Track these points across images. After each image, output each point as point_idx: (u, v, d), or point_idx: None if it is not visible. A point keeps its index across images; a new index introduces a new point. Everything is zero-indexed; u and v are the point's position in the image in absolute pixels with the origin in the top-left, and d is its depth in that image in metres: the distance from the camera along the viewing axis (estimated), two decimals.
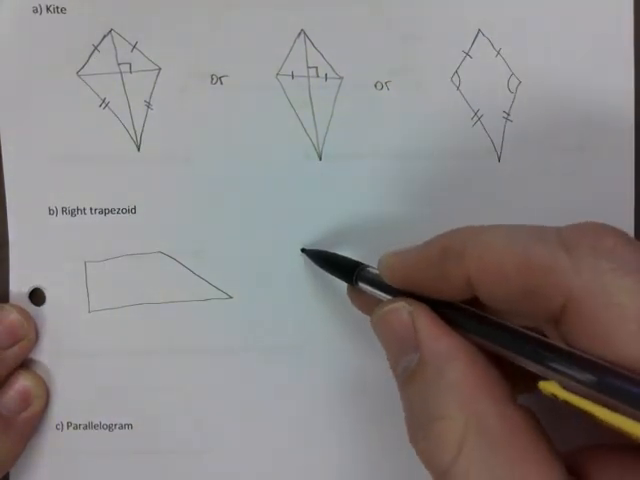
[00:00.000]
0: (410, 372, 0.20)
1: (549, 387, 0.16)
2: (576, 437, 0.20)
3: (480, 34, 0.28)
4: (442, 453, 0.18)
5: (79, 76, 0.27)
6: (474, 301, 0.20)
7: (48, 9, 0.27)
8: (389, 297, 0.22)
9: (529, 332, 0.18)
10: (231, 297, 0.28)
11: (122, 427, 0.28)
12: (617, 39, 0.28)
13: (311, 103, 0.28)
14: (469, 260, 0.18)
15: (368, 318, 0.28)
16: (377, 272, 0.23)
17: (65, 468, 0.28)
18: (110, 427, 0.28)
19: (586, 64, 0.28)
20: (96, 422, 0.28)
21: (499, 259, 0.18)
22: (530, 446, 0.17)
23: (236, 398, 0.28)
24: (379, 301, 0.22)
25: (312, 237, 0.28)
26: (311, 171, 0.28)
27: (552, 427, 0.19)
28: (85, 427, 0.28)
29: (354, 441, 0.28)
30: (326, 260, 0.27)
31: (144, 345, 0.28)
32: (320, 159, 0.28)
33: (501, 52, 0.28)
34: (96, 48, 0.27)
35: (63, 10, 0.27)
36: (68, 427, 0.28)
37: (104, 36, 0.27)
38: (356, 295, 0.26)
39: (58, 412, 0.28)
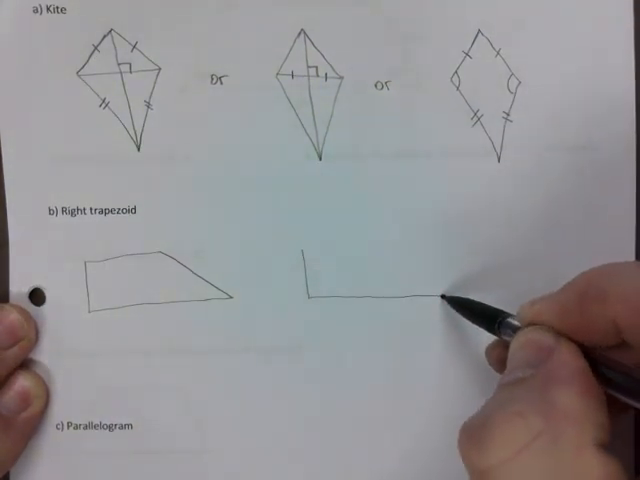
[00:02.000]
0: (515, 379, 0.19)
1: None
2: None
3: (480, 34, 0.28)
4: (495, 448, 0.17)
5: (79, 76, 0.27)
6: (622, 346, 0.19)
7: (48, 9, 0.27)
8: None
9: None
10: (231, 297, 0.28)
11: (122, 427, 0.28)
12: (617, 39, 0.28)
13: (311, 103, 0.28)
14: (614, 302, 0.18)
15: (368, 319, 0.28)
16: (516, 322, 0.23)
17: (65, 468, 0.28)
18: (110, 427, 0.28)
19: (586, 64, 0.28)
20: (96, 422, 0.28)
21: None
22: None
23: (236, 398, 0.28)
24: None
25: (312, 237, 0.28)
26: (311, 171, 0.28)
27: None
28: (85, 427, 0.28)
29: (354, 441, 0.28)
30: (467, 307, 0.26)
31: (144, 345, 0.28)
32: (320, 159, 0.28)
33: (501, 52, 0.28)
34: (96, 48, 0.27)
35: (63, 10, 0.27)
36: (68, 427, 0.28)
37: (104, 36, 0.27)
38: (494, 347, 0.25)
39: (58, 412, 0.28)
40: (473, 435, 0.18)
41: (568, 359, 0.19)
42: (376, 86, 0.28)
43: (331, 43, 0.28)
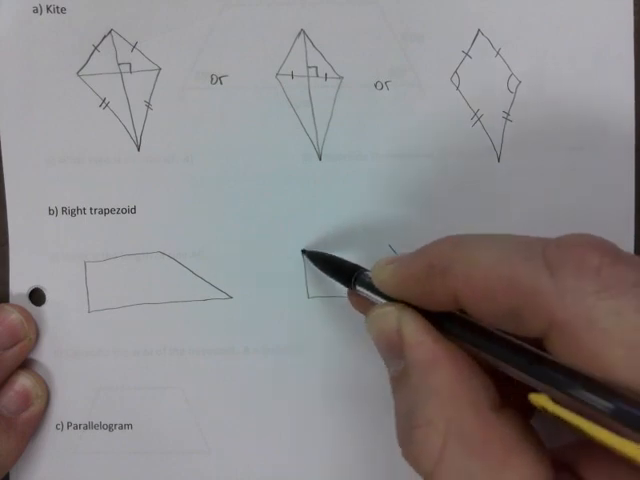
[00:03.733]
0: (397, 377, 0.20)
1: (539, 400, 0.16)
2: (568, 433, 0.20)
3: (480, 34, 0.28)
4: (425, 458, 0.18)
5: (79, 76, 0.27)
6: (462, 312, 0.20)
7: (48, 9, 0.27)
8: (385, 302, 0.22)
9: (521, 343, 0.18)
10: (231, 297, 0.28)
11: (122, 427, 0.28)
12: (617, 39, 0.28)
13: (311, 103, 0.28)
14: (455, 278, 0.18)
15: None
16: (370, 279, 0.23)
17: (65, 468, 0.28)
18: (110, 427, 0.28)
19: (586, 64, 0.28)
20: (96, 422, 0.28)
21: (485, 279, 0.18)
22: (512, 452, 0.17)
23: (236, 398, 0.28)
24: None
25: (312, 237, 0.28)
26: (311, 171, 0.28)
27: (542, 424, 0.19)
28: (85, 427, 0.28)
29: (353, 441, 0.28)
30: (325, 262, 0.27)
31: (144, 345, 0.28)
32: (320, 159, 0.28)
33: (501, 52, 0.28)
34: (96, 48, 0.27)
35: (63, 10, 0.27)
36: (68, 427, 0.28)
37: (104, 36, 0.27)
38: (355, 298, 0.26)
39: (58, 412, 0.28)
40: (406, 453, 0.19)
41: (420, 340, 0.19)
42: (376, 86, 0.28)
43: (331, 43, 0.28)
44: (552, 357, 0.17)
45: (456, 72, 0.28)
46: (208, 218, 0.28)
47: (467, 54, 0.28)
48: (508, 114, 0.28)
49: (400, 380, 0.20)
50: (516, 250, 0.18)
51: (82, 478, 0.28)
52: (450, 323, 0.20)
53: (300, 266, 0.28)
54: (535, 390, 0.17)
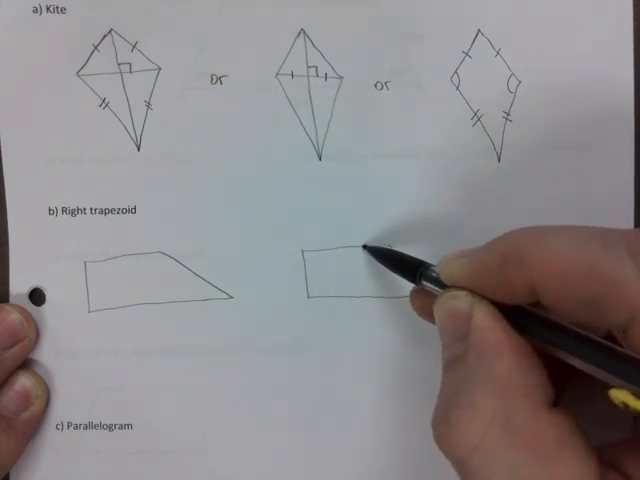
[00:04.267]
0: (453, 360, 0.20)
1: (620, 396, 0.16)
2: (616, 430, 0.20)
3: (480, 34, 0.28)
4: (461, 442, 0.18)
5: (79, 76, 0.27)
6: (537, 305, 0.19)
7: (48, 9, 0.27)
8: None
9: (599, 339, 0.18)
10: (231, 297, 0.28)
11: (122, 427, 0.28)
12: (617, 39, 0.28)
13: (311, 103, 0.28)
14: (532, 267, 0.18)
15: (367, 319, 0.28)
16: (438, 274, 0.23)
17: (65, 468, 0.28)
18: (110, 427, 0.28)
19: (586, 64, 0.28)
20: (96, 422, 0.28)
21: (564, 267, 0.17)
22: (564, 447, 0.17)
23: (236, 398, 0.28)
24: None
25: (312, 237, 0.28)
26: (311, 171, 0.28)
27: (590, 422, 0.19)
28: (85, 427, 0.28)
29: (354, 441, 0.28)
30: (388, 257, 0.27)
31: (144, 345, 0.28)
32: (320, 159, 0.28)
33: (501, 52, 0.28)
34: (96, 48, 0.27)
35: (63, 10, 0.27)
36: (68, 427, 0.28)
37: (104, 36, 0.27)
38: (417, 295, 0.25)
39: (58, 412, 0.28)
40: (439, 433, 0.19)
41: (489, 325, 0.19)
42: (376, 86, 0.28)
43: (331, 43, 0.28)
44: (631, 352, 0.17)
45: (456, 72, 0.28)
46: (208, 218, 0.28)
47: (467, 54, 0.28)
48: (508, 114, 0.28)
49: (455, 362, 0.20)
50: (595, 238, 0.18)
51: (82, 478, 0.28)
52: (520, 316, 0.19)
53: (300, 266, 0.28)
54: (610, 386, 0.17)
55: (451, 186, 0.28)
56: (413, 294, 0.26)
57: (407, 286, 0.28)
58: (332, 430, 0.28)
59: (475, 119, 0.28)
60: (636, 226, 0.28)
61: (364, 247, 0.28)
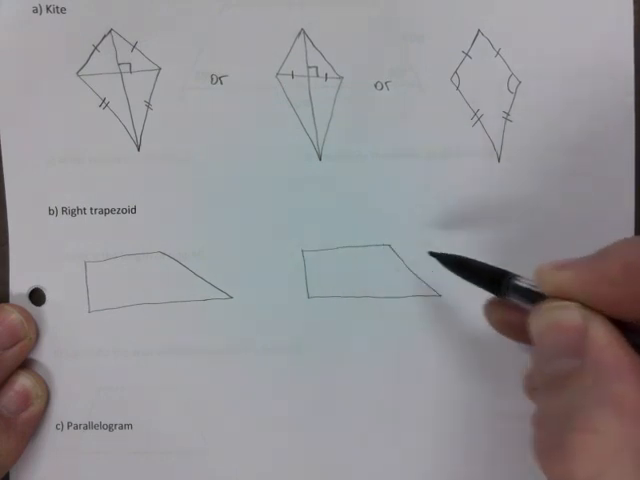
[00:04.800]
0: (562, 376, 0.18)
1: None
2: None
3: (480, 34, 0.28)
4: (580, 468, 0.16)
5: (79, 76, 0.27)
6: None
7: (48, 9, 0.27)
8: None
9: None
10: (231, 297, 0.28)
11: (122, 427, 0.28)
12: (617, 39, 0.28)
13: (311, 103, 0.28)
14: None
15: (367, 319, 0.28)
16: (530, 283, 0.21)
17: (65, 468, 0.28)
18: (110, 427, 0.28)
19: (586, 64, 0.28)
20: (96, 422, 0.28)
21: None
22: None
23: (236, 398, 0.28)
24: (526, 316, 0.20)
25: (312, 237, 0.28)
26: (311, 171, 0.28)
27: None
28: (85, 427, 0.28)
29: (354, 441, 0.28)
30: (463, 266, 0.25)
31: (144, 345, 0.28)
32: (320, 159, 0.28)
33: (501, 52, 0.28)
34: (96, 48, 0.27)
35: (63, 10, 0.27)
36: (68, 427, 0.28)
37: (104, 36, 0.27)
38: (496, 307, 0.24)
39: (58, 412, 0.28)
40: (550, 458, 0.17)
41: (608, 343, 0.17)
42: (376, 86, 0.28)
43: (331, 43, 0.28)
44: None
45: (456, 72, 0.28)
46: (208, 218, 0.28)
47: (467, 54, 0.28)
48: (508, 114, 0.28)
49: (564, 381, 0.18)
50: None
51: (82, 478, 0.28)
52: (634, 333, 0.18)
53: (300, 266, 0.28)
54: None
55: (451, 186, 0.28)
56: (491, 306, 0.24)
57: (407, 287, 0.28)
58: (332, 430, 0.28)
59: (475, 119, 0.28)
60: (636, 226, 0.28)
61: (430, 254, 0.26)
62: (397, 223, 0.28)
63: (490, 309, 0.24)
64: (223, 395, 0.28)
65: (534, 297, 0.21)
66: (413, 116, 0.28)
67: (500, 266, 0.28)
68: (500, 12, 0.28)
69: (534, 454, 0.18)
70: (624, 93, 0.28)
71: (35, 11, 0.27)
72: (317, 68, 0.28)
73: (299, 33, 0.27)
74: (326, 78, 0.28)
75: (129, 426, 0.28)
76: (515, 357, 0.28)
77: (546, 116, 0.28)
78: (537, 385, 0.19)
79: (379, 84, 0.28)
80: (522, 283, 0.22)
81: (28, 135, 0.27)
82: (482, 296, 0.28)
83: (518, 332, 0.22)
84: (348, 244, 0.28)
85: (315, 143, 0.28)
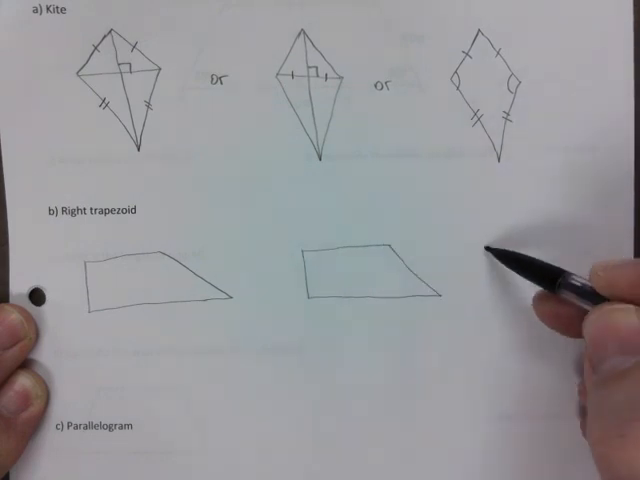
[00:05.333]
0: (621, 371, 0.19)
1: None
2: None
3: (480, 34, 0.28)
4: None
5: (79, 76, 0.27)
6: None
7: (48, 9, 0.27)
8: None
9: None
10: (231, 297, 0.28)
11: (122, 427, 0.28)
12: (617, 39, 0.28)
13: (311, 103, 0.28)
14: None
15: (367, 319, 0.28)
16: (585, 281, 0.23)
17: (65, 468, 0.28)
18: (110, 427, 0.28)
19: (586, 64, 0.28)
20: (96, 422, 0.28)
21: None
22: None
23: (236, 398, 0.28)
24: (578, 312, 0.22)
25: (312, 237, 0.28)
26: (311, 171, 0.28)
27: None
28: (85, 427, 0.28)
29: (353, 441, 0.28)
30: (520, 262, 0.26)
31: (144, 345, 0.28)
32: (320, 159, 0.28)
33: (501, 52, 0.28)
34: (96, 48, 0.27)
35: (63, 10, 0.27)
36: (68, 427, 0.28)
37: (104, 36, 0.27)
38: (545, 301, 0.25)
39: (58, 412, 0.28)
40: (612, 446, 0.18)
41: None
42: (376, 86, 0.28)
43: (331, 43, 0.28)
44: None
45: (456, 72, 0.28)
46: (208, 218, 0.28)
47: (467, 54, 0.28)
48: (508, 114, 0.28)
49: (623, 376, 0.19)
50: None
51: (82, 478, 0.28)
52: None
53: (300, 266, 0.28)
54: None
55: (451, 186, 0.28)
56: (540, 299, 0.25)
57: (407, 287, 0.28)
58: (332, 430, 0.28)
59: (475, 119, 0.28)
60: (636, 226, 0.28)
61: (487, 249, 0.28)
62: (397, 223, 0.28)
63: (540, 302, 0.25)
64: (223, 395, 0.28)
65: (588, 295, 0.22)
66: (413, 116, 0.28)
67: (500, 265, 0.28)
68: (500, 12, 0.28)
69: (592, 443, 0.19)
70: (624, 93, 0.28)
71: (35, 11, 0.27)
72: (317, 68, 0.28)
73: (299, 33, 0.27)
74: (326, 78, 0.28)
75: (129, 426, 0.28)
76: (515, 357, 0.29)
77: (546, 116, 0.28)
78: (593, 379, 0.20)
79: (379, 84, 0.28)
80: (577, 281, 0.23)
81: (28, 135, 0.27)
82: (482, 296, 0.28)
83: (566, 325, 0.24)
84: (348, 244, 0.28)
85: (315, 143, 0.28)
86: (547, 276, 0.24)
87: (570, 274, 0.24)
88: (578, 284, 0.23)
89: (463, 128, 0.28)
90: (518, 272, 0.26)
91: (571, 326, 0.24)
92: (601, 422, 0.19)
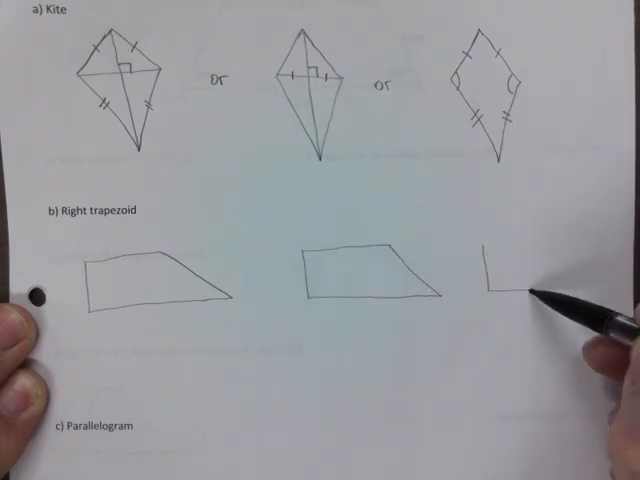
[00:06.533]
0: None
1: None
2: None
3: (480, 34, 0.28)
4: None
5: (79, 76, 0.27)
6: None
7: (48, 9, 0.27)
8: None
9: None
10: (231, 297, 0.28)
11: (122, 427, 0.28)
12: (617, 39, 0.28)
13: (311, 103, 0.28)
14: None
15: (368, 319, 0.28)
16: (630, 320, 0.24)
17: (65, 468, 0.28)
18: (110, 427, 0.28)
19: (586, 64, 0.28)
20: (96, 422, 0.28)
21: None
22: None
23: (236, 398, 0.28)
24: (625, 355, 0.23)
25: (312, 237, 0.28)
26: (311, 171, 0.28)
27: None
28: (85, 427, 0.28)
29: (353, 441, 0.28)
30: (565, 304, 0.27)
31: (144, 345, 0.28)
32: (320, 159, 0.28)
33: (501, 52, 0.28)
34: (96, 48, 0.27)
35: (63, 10, 0.27)
36: (68, 427, 0.28)
37: (104, 36, 0.27)
38: (597, 345, 0.26)
39: (58, 412, 0.28)
40: (634, 441, 0.20)
41: None
42: (376, 86, 0.28)
43: (331, 43, 0.28)
44: None
45: (456, 72, 0.28)
46: (208, 218, 0.28)
47: (467, 54, 0.28)
48: (508, 114, 0.28)
49: None
50: None
51: (82, 478, 0.28)
52: None
53: (300, 266, 0.28)
54: None
55: (451, 186, 0.28)
56: (592, 345, 0.26)
57: (407, 287, 0.28)
58: (331, 430, 0.28)
59: (475, 119, 0.28)
60: (636, 226, 0.28)
61: (531, 292, 0.28)
62: (397, 223, 0.28)
63: (590, 348, 0.26)
64: (223, 395, 0.28)
65: (635, 332, 0.23)
66: (413, 116, 0.28)
67: (500, 265, 0.28)
68: (500, 12, 0.28)
69: (614, 435, 0.21)
70: (624, 93, 0.28)
71: (35, 11, 0.27)
72: (317, 68, 0.28)
73: (299, 33, 0.27)
74: (326, 78, 0.28)
75: (129, 426, 0.28)
76: (515, 357, 0.29)
77: (546, 116, 0.28)
78: (631, 389, 0.22)
79: (379, 84, 0.28)
80: (623, 320, 0.24)
81: (28, 135, 0.27)
82: (482, 296, 0.28)
83: (616, 370, 0.25)
84: (348, 244, 0.28)
85: (315, 143, 0.28)
86: (594, 317, 0.25)
87: (617, 313, 0.24)
88: (626, 322, 0.24)
89: (463, 128, 0.28)
90: (564, 314, 0.27)
91: (619, 370, 0.24)
92: (630, 419, 0.20)
